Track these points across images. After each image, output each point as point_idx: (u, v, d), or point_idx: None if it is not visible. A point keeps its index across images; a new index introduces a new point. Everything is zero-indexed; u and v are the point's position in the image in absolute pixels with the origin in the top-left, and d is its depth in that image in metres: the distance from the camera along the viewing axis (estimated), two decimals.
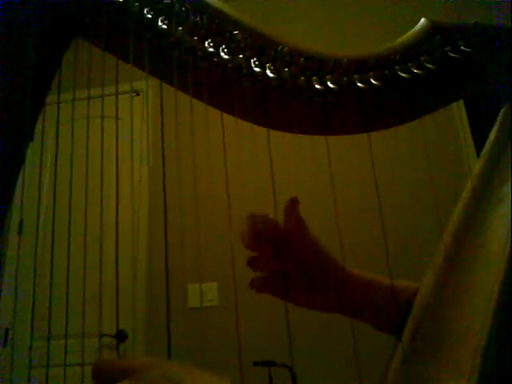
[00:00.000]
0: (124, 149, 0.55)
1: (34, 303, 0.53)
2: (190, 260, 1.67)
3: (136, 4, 0.40)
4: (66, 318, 0.42)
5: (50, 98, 0.43)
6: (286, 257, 0.52)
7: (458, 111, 2.07)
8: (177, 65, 0.41)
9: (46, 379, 0.41)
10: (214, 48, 0.42)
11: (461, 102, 1.98)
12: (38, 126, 0.42)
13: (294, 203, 0.51)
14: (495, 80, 0.51)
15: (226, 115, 0.45)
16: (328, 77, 0.44)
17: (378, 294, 0.52)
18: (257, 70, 0.42)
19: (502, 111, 0.54)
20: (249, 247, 0.50)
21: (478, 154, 0.55)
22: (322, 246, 0.53)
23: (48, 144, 0.54)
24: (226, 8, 0.43)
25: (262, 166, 0.60)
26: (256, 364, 1.51)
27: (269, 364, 1.52)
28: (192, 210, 1.50)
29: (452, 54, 0.47)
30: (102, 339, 1.60)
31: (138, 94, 2.28)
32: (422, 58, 0.47)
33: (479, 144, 0.55)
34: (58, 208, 0.45)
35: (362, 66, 0.45)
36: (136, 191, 2.16)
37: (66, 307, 0.42)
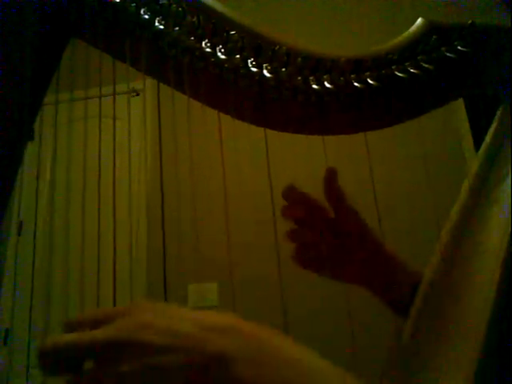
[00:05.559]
0: (122, 149, 0.55)
1: (31, 302, 0.53)
2: (190, 260, 1.67)
3: (133, 4, 0.41)
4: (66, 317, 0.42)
5: (48, 98, 0.43)
6: (323, 228, 0.53)
7: (457, 111, 2.07)
8: (174, 65, 0.41)
9: (45, 379, 0.41)
10: (211, 48, 0.42)
11: (460, 101, 1.98)
12: (36, 127, 0.42)
13: (332, 174, 0.52)
14: (494, 80, 0.51)
15: (223, 115, 0.45)
16: (325, 77, 0.44)
17: (402, 275, 0.54)
18: (254, 69, 0.42)
19: (500, 111, 0.54)
20: (287, 215, 0.52)
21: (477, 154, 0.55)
22: (361, 219, 0.54)
23: (46, 144, 0.54)
24: (223, 8, 0.43)
25: (259, 166, 0.60)
26: None
27: None
28: (191, 209, 1.50)
29: (449, 54, 0.47)
30: None
31: (137, 94, 2.28)
32: (419, 58, 0.47)
33: (478, 144, 0.55)
34: (56, 208, 0.45)
35: (359, 65, 0.45)
36: (134, 191, 2.16)
37: (66, 307, 0.42)
